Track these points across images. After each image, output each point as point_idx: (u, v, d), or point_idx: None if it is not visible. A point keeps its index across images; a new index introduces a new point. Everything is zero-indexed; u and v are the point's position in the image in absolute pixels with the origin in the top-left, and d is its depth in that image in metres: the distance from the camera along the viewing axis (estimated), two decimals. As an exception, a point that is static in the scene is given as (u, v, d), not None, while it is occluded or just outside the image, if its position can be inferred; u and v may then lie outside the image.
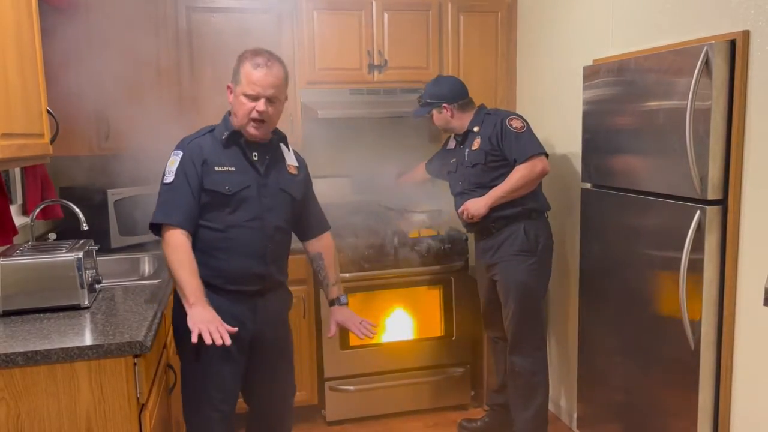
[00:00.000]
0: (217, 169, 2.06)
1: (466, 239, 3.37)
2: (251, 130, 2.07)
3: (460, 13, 3.50)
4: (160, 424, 2.07)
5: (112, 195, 3.03)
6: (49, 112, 2.10)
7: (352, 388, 3.30)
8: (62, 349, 1.72)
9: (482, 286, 3.08)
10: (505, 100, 3.58)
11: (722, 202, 2.20)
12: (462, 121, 2.96)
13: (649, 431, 2.57)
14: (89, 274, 2.17)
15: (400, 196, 3.50)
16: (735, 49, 2.11)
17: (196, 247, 2.06)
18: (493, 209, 2.80)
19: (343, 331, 3.23)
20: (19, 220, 2.63)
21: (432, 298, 3.41)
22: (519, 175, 2.74)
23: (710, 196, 2.20)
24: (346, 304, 2.35)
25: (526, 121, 2.83)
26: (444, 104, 2.94)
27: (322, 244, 2.36)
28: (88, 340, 1.80)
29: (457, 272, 3.37)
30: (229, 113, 2.14)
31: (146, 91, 3.03)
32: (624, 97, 2.60)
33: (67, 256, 2.12)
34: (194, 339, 1.88)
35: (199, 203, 2.05)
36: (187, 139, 2.12)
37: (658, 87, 2.39)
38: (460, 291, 3.38)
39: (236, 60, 2.09)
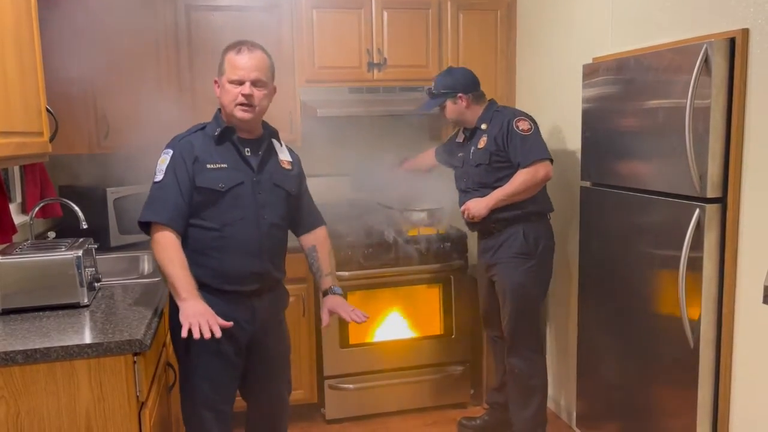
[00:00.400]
0: (209, 166, 2.05)
1: (466, 237, 3.37)
2: (239, 113, 2.05)
3: (460, 11, 3.50)
4: (159, 423, 2.07)
5: (112, 193, 3.03)
6: (48, 110, 2.10)
7: (351, 386, 3.30)
8: (62, 347, 1.72)
9: (482, 285, 3.07)
10: (505, 99, 3.58)
11: (721, 200, 2.20)
12: (474, 113, 2.90)
13: (648, 429, 2.57)
14: (88, 272, 2.17)
15: (399, 195, 3.50)
16: (734, 47, 2.11)
17: (191, 246, 2.05)
18: (494, 211, 2.78)
19: (343, 330, 3.26)
20: (18, 218, 2.63)
21: (431, 296, 3.41)
22: (521, 179, 2.72)
23: (709, 194, 2.20)
24: (340, 294, 2.26)
25: (533, 123, 2.79)
26: (460, 94, 2.87)
27: (317, 238, 2.33)
28: (87, 338, 1.80)
29: (457, 270, 3.37)
30: (220, 111, 2.14)
31: (145, 90, 3.03)
32: (623, 96, 2.60)
33: (66, 254, 2.12)
34: (184, 333, 1.86)
35: (190, 202, 2.04)
36: (178, 137, 2.11)
37: (657, 85, 2.39)
38: (459, 289, 3.38)
39: (220, 56, 2.10)
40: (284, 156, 2.24)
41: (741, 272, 2.18)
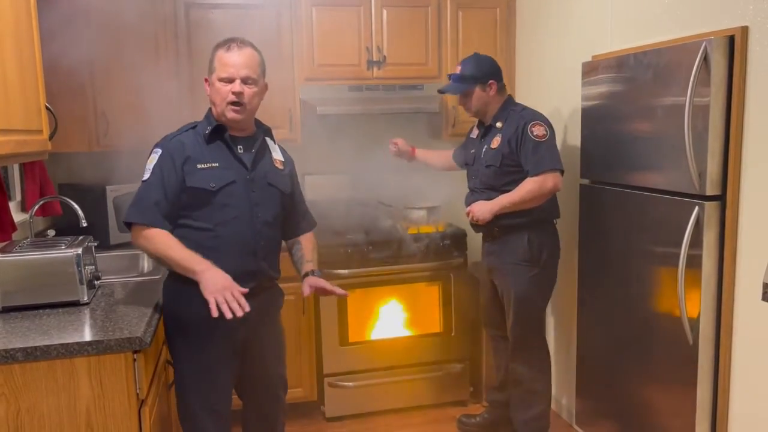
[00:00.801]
0: (199, 166, 2.02)
1: (465, 235, 3.37)
2: (230, 113, 2.03)
3: (460, 9, 3.50)
4: (159, 420, 2.07)
5: (111, 191, 3.03)
6: (47, 108, 2.10)
7: (351, 384, 3.30)
8: (62, 345, 1.72)
9: (484, 285, 3.06)
10: (504, 97, 3.58)
11: (721, 198, 2.20)
12: (496, 105, 2.81)
13: (647, 427, 2.57)
14: (88, 270, 2.17)
15: (399, 192, 3.50)
16: (734, 45, 2.11)
17: (186, 246, 2.00)
18: (499, 216, 2.71)
19: (342, 327, 3.27)
20: (18, 216, 2.63)
21: (431, 294, 3.41)
22: (528, 189, 2.65)
23: (709, 192, 2.20)
24: (320, 277, 2.23)
25: (550, 128, 2.70)
26: (491, 81, 2.77)
27: (304, 237, 2.32)
28: (87, 336, 1.80)
29: (456, 268, 3.37)
30: (210, 109, 2.11)
31: (145, 88, 3.02)
32: (623, 94, 2.60)
33: (66, 252, 2.12)
34: (214, 312, 1.82)
35: (176, 201, 2.01)
36: (169, 137, 2.09)
37: (657, 83, 2.39)
38: (458, 287, 3.39)
39: (210, 55, 2.09)
40: (277, 155, 2.22)
41: (740, 269, 2.18)
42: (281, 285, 2.30)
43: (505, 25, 3.58)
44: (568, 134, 3.10)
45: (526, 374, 2.86)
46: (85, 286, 2.10)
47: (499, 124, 2.79)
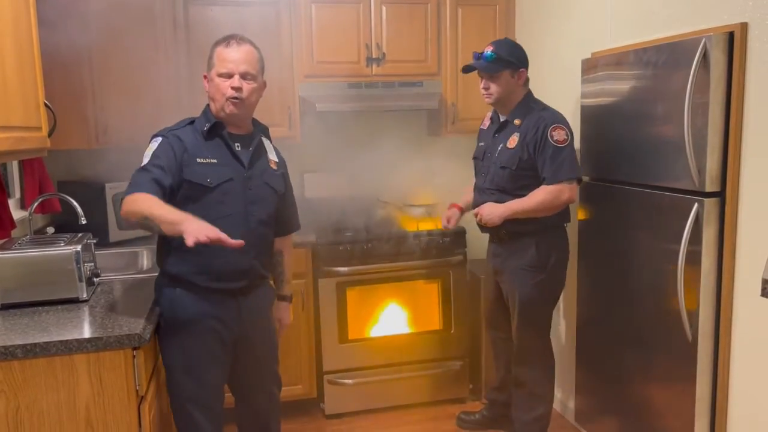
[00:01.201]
0: (199, 160, 2.02)
1: (465, 233, 3.37)
2: (229, 107, 2.03)
3: (459, 6, 3.50)
4: (158, 416, 2.08)
5: (110, 189, 3.03)
6: (46, 105, 2.09)
7: (350, 381, 3.30)
8: (61, 341, 1.72)
9: (487, 286, 3.01)
10: (504, 94, 3.58)
11: (720, 194, 2.20)
12: (518, 97, 2.68)
13: (647, 423, 2.58)
14: (87, 267, 2.17)
15: (398, 190, 3.50)
16: (733, 41, 2.11)
17: (176, 243, 1.99)
18: (508, 221, 2.63)
19: (342, 325, 3.27)
20: (17, 213, 2.63)
21: (430, 291, 3.41)
22: (541, 198, 2.56)
23: (708, 189, 2.20)
24: (290, 302, 2.43)
25: (570, 132, 2.58)
26: (523, 69, 2.66)
27: (285, 243, 2.36)
28: (86, 332, 1.80)
29: (456, 266, 3.37)
30: (208, 106, 2.11)
31: (144, 85, 3.02)
32: (622, 91, 2.60)
33: (65, 249, 2.12)
34: (189, 242, 1.72)
35: (174, 181, 1.97)
36: (168, 129, 2.08)
37: (656, 79, 2.39)
38: (458, 284, 3.39)
39: (209, 51, 2.09)
40: (272, 156, 2.22)
41: (739, 266, 2.18)
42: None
43: (505, 22, 3.57)
44: (568, 131, 3.10)
45: (530, 377, 2.82)
46: (84, 283, 2.10)
47: (517, 122, 2.66)
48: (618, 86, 2.62)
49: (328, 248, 3.22)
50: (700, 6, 2.28)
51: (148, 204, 1.86)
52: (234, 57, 2.02)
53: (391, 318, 3.38)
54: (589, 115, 2.81)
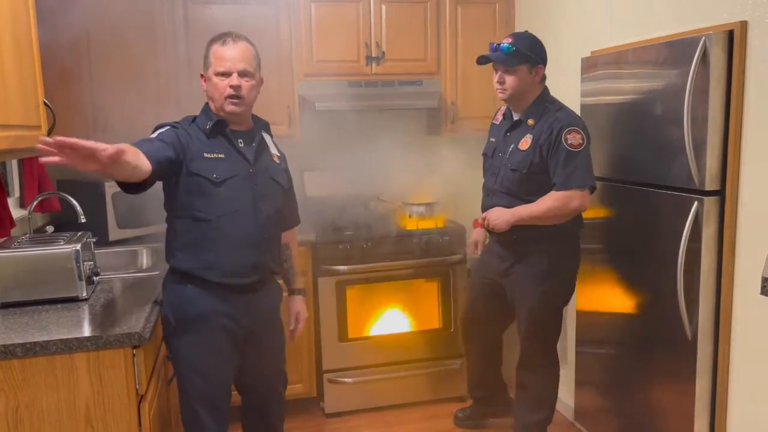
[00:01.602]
0: (206, 155, 2.01)
1: (464, 231, 3.37)
2: (229, 107, 2.02)
3: (458, 5, 3.50)
4: (159, 415, 2.07)
5: (110, 187, 3.03)
6: (45, 103, 2.09)
7: (350, 380, 3.31)
8: (61, 340, 1.72)
9: (479, 284, 2.87)
10: (503, 93, 3.57)
11: (720, 193, 2.21)
12: (533, 95, 2.55)
13: (646, 422, 2.58)
14: (87, 266, 2.17)
15: (398, 189, 3.50)
16: (733, 39, 2.11)
17: (185, 239, 2.02)
18: (518, 227, 2.50)
19: (342, 324, 3.27)
20: (16, 212, 2.63)
21: (430, 290, 3.41)
22: (549, 206, 2.43)
23: (708, 187, 2.20)
24: (304, 296, 2.41)
25: (586, 135, 2.45)
26: (541, 65, 2.53)
27: (290, 237, 2.37)
28: (86, 331, 1.80)
29: (455, 264, 3.37)
30: (208, 104, 2.11)
31: (143, 84, 3.02)
32: (622, 89, 2.60)
33: (64, 248, 2.11)
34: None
35: (171, 159, 1.92)
36: (172, 123, 2.07)
37: (655, 78, 2.39)
38: (458, 283, 3.38)
39: (204, 50, 2.08)
40: (274, 150, 2.23)
41: (739, 264, 2.19)
42: (280, 281, 2.30)
43: (504, 21, 3.57)
44: (567, 130, 3.10)
45: (535, 381, 2.75)
46: (83, 282, 2.10)
47: (530, 122, 2.52)
48: (618, 85, 2.62)
49: (328, 247, 3.22)
50: (699, 4, 2.28)
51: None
52: (231, 55, 2.01)
53: (391, 317, 3.38)
54: (589, 113, 2.81)
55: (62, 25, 2.80)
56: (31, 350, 1.70)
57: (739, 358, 2.21)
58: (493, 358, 3.09)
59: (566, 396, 3.25)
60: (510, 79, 2.50)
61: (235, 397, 2.26)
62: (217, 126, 2.07)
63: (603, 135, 2.73)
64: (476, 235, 2.94)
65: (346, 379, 3.30)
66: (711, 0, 2.23)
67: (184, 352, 2.07)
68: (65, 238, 2.25)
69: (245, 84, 2.03)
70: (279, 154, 2.24)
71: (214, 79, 2.03)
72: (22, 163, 2.86)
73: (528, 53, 2.48)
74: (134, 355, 1.79)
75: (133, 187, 1.83)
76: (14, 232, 2.46)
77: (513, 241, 2.60)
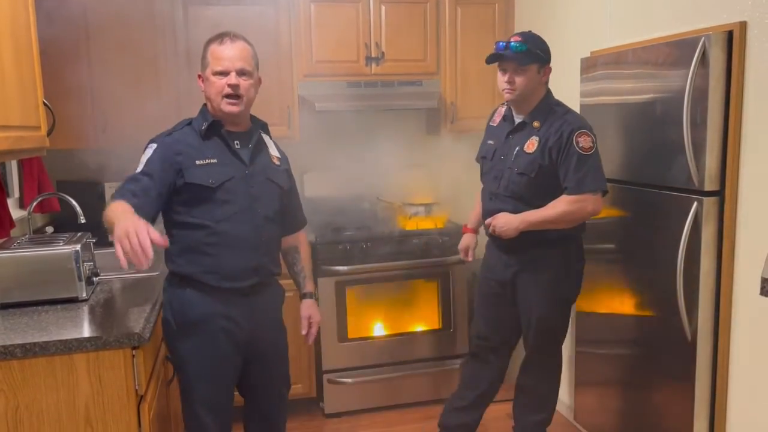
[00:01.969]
0: (198, 162, 2.00)
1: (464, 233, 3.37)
2: (226, 106, 2.01)
3: (458, 5, 3.50)
4: (158, 416, 2.07)
5: (110, 188, 3.03)
6: (45, 104, 2.09)
7: (350, 380, 3.31)
8: (60, 341, 1.72)
9: (486, 296, 2.71)
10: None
11: (719, 193, 2.21)
12: (538, 96, 2.47)
13: (646, 422, 2.58)
14: (87, 266, 2.17)
15: (398, 189, 3.50)
16: (732, 40, 2.11)
17: (183, 245, 2.01)
18: (526, 232, 2.42)
19: (341, 324, 3.27)
20: (16, 213, 2.63)
21: (430, 290, 3.41)
22: (563, 210, 2.35)
23: (707, 187, 2.20)
24: (316, 299, 2.36)
25: (594, 138, 2.38)
26: (550, 65, 2.46)
27: (299, 239, 2.34)
28: (86, 332, 1.80)
29: (455, 265, 3.37)
30: (206, 105, 2.10)
31: (143, 84, 3.02)
32: (621, 89, 2.60)
33: (64, 248, 2.11)
34: (123, 264, 1.63)
35: (162, 194, 1.95)
36: (164, 134, 2.06)
37: (655, 78, 2.39)
38: (457, 283, 3.39)
39: (202, 50, 2.07)
40: (273, 151, 2.21)
41: (738, 265, 2.19)
42: (281, 282, 2.29)
43: (504, 21, 3.57)
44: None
45: (538, 384, 2.72)
46: (83, 283, 2.10)
47: (536, 124, 2.44)
48: (617, 85, 2.62)
49: (328, 247, 3.22)
50: (699, 5, 2.28)
51: (112, 212, 1.80)
52: (229, 54, 2.00)
53: (391, 317, 3.38)
54: (588, 114, 2.80)
55: (62, 25, 2.80)
56: (30, 351, 1.69)
57: (739, 358, 2.21)
58: (490, 396, 2.84)
59: (566, 396, 3.25)
60: (520, 79, 2.41)
61: (238, 398, 2.25)
62: (212, 127, 2.05)
63: (602, 135, 2.72)
64: (467, 240, 2.85)
65: (346, 380, 3.30)
66: (710, 0, 2.23)
67: (186, 355, 2.06)
68: (65, 238, 2.25)
69: (243, 83, 2.02)
70: (279, 156, 2.23)
71: (211, 78, 2.02)
72: (21, 164, 2.86)
73: (538, 52, 2.42)
74: (134, 355, 1.79)
75: None
76: (14, 232, 2.46)
77: (516, 247, 2.51)
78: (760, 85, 2.05)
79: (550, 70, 2.47)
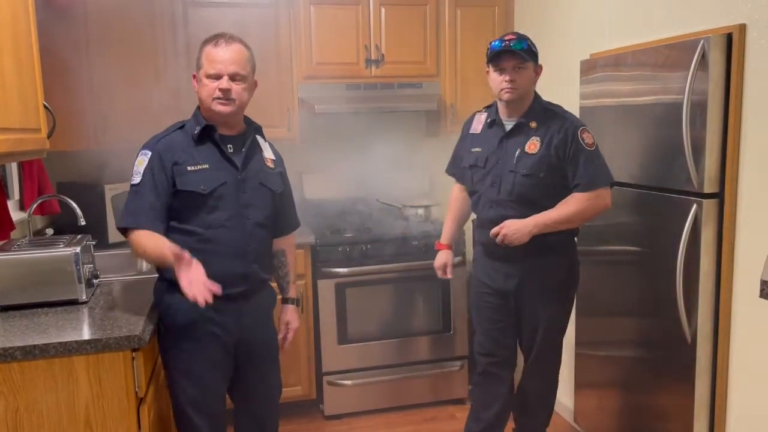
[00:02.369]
0: (189, 168, 1.98)
1: (464, 234, 3.37)
2: (217, 106, 1.97)
3: (458, 8, 3.50)
4: (158, 418, 2.07)
5: (109, 190, 3.03)
6: (45, 106, 2.09)
7: (350, 382, 3.31)
8: (60, 343, 1.72)
9: (484, 304, 2.59)
10: (503, 95, 3.58)
11: (719, 195, 2.21)
12: (531, 96, 2.42)
13: (645, 424, 2.58)
14: (87, 268, 2.17)
15: (397, 191, 3.50)
16: (731, 42, 2.12)
17: None
18: (535, 236, 2.33)
19: (341, 326, 3.27)
20: (16, 215, 2.63)
21: (429, 292, 3.41)
22: (578, 208, 2.30)
23: (707, 190, 2.20)
24: (298, 305, 2.34)
25: (592, 134, 2.38)
26: (541, 66, 2.41)
27: (287, 242, 2.31)
28: (86, 334, 1.80)
29: (455, 266, 3.35)
30: (199, 108, 2.07)
31: (143, 85, 3.02)
32: (621, 91, 2.60)
33: (64, 250, 2.11)
34: (199, 300, 1.76)
35: (167, 203, 1.98)
36: (156, 138, 2.04)
37: (654, 81, 2.40)
38: (457, 285, 3.39)
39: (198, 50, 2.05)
40: (268, 154, 2.17)
41: (738, 267, 2.19)
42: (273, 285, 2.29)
43: (503, 24, 3.58)
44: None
45: (539, 387, 2.70)
46: (83, 285, 2.10)
47: (533, 124, 2.38)
48: (617, 87, 2.63)
49: (327, 249, 3.22)
50: (698, 8, 2.29)
51: (154, 246, 1.90)
52: (223, 57, 1.97)
53: (390, 319, 3.38)
54: (588, 116, 2.81)
55: (62, 28, 2.80)
56: (30, 353, 1.69)
57: (738, 360, 2.21)
58: (507, 411, 2.72)
59: (565, 398, 3.25)
60: (521, 77, 2.34)
61: (229, 402, 2.24)
62: (205, 131, 2.02)
63: (602, 137, 2.72)
64: (444, 257, 2.76)
65: (345, 381, 3.30)
66: (710, 3, 2.23)
67: (175, 359, 2.06)
68: (65, 240, 2.25)
69: (235, 87, 1.98)
70: (274, 158, 2.19)
71: (204, 80, 1.99)
72: (21, 166, 2.86)
73: (535, 53, 2.39)
74: (134, 358, 1.79)
75: None
76: (14, 234, 2.46)
77: (517, 256, 2.41)
78: (760, 87, 2.06)
79: (541, 69, 2.42)
